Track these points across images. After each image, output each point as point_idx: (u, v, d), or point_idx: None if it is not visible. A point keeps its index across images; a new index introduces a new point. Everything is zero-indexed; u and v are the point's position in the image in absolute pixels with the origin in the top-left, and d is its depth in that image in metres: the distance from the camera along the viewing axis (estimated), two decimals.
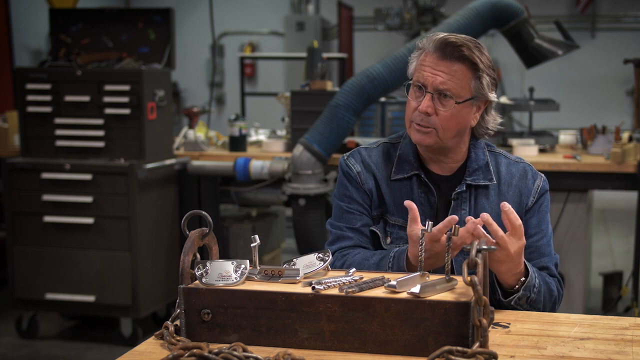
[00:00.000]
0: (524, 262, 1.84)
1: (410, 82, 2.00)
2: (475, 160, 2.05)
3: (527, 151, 4.48)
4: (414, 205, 1.81)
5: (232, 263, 1.63)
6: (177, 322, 1.60)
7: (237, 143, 4.76)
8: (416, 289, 1.51)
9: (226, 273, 1.61)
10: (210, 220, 1.63)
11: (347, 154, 2.16)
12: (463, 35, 1.98)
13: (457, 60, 1.92)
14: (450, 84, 1.92)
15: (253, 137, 5.21)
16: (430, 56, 1.94)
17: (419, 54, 1.99)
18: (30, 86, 4.32)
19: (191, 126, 5.18)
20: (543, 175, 2.10)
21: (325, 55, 5.54)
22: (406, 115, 2.01)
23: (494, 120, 2.06)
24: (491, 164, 2.06)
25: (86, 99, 4.26)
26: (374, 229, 2.09)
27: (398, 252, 1.92)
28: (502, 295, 1.88)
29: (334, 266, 1.92)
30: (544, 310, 1.90)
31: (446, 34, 1.98)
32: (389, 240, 2.07)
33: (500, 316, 1.76)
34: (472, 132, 2.06)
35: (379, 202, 2.08)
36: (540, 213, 2.06)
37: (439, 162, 2.05)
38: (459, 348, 1.40)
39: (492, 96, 1.98)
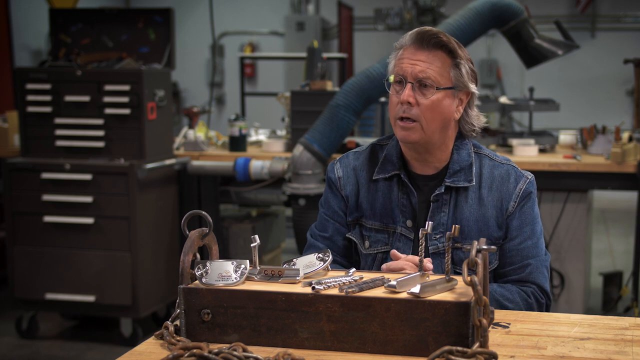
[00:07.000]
0: None
1: (390, 79, 1.98)
2: (458, 162, 2.01)
3: (527, 151, 4.48)
4: (399, 255, 1.89)
5: (232, 263, 1.63)
6: (177, 322, 1.60)
7: (237, 143, 4.75)
8: (416, 289, 1.51)
9: (226, 273, 1.61)
10: (210, 220, 1.63)
11: (338, 158, 2.16)
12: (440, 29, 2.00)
13: (435, 48, 1.93)
14: (430, 72, 1.92)
15: (253, 137, 5.21)
16: (408, 49, 1.96)
17: (396, 53, 1.99)
18: (30, 86, 4.32)
19: (191, 126, 5.18)
20: (530, 175, 2.04)
21: (325, 55, 5.54)
22: (390, 114, 2.00)
23: (478, 118, 2.04)
24: (475, 165, 2.03)
25: (86, 99, 4.26)
26: (350, 236, 2.09)
27: None
28: None
29: None
30: None
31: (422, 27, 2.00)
32: (367, 244, 2.06)
33: (500, 316, 1.76)
34: (460, 130, 2.04)
35: (355, 206, 2.08)
36: (522, 215, 2.00)
37: (424, 161, 2.03)
38: (459, 348, 1.40)
39: (473, 87, 1.98)
